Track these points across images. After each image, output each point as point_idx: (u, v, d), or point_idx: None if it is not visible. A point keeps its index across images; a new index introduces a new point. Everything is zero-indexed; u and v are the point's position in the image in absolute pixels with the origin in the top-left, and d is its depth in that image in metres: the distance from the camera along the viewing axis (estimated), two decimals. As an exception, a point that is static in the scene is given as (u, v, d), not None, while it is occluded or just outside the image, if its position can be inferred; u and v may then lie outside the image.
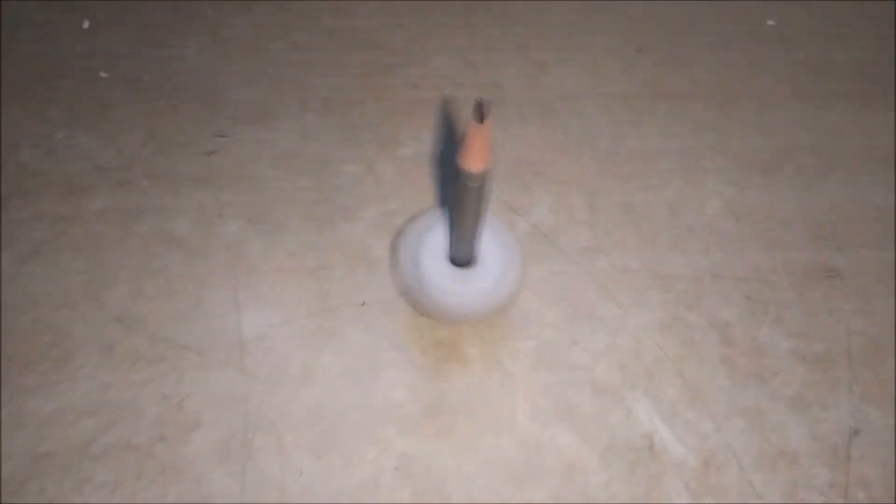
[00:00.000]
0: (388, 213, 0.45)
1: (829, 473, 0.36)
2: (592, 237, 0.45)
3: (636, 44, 0.56)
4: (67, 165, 0.46)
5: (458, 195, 0.32)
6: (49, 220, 0.44)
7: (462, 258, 0.37)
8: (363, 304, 0.41)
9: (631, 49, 0.56)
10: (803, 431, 0.37)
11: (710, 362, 0.40)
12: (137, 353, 0.38)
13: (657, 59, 0.55)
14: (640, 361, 0.39)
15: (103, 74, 0.51)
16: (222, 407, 0.37)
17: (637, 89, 0.53)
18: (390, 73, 0.52)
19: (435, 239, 0.39)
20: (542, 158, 0.48)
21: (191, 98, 0.49)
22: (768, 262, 0.44)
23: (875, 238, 0.46)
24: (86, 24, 0.54)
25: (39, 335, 0.39)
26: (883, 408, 0.38)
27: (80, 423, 0.36)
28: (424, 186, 0.46)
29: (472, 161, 0.29)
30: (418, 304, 0.38)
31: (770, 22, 0.58)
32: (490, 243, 0.39)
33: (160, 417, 0.36)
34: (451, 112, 0.49)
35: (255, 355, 0.39)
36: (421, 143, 0.48)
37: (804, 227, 0.46)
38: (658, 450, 0.36)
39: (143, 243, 0.43)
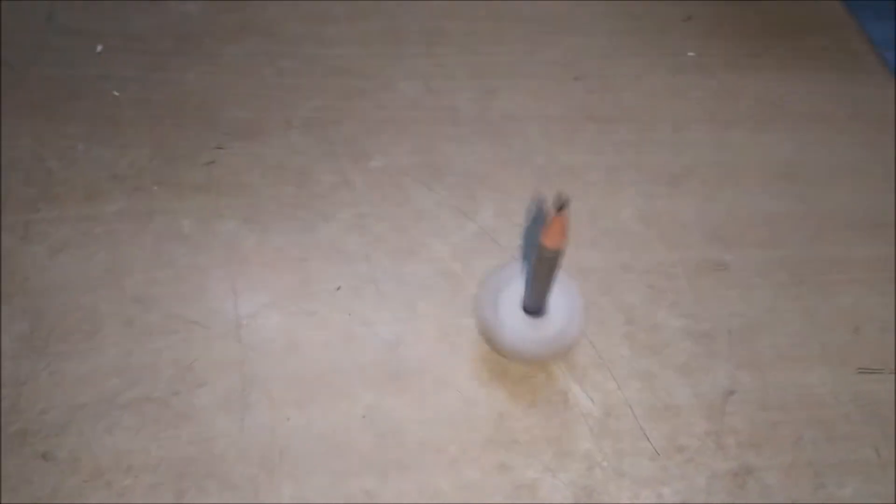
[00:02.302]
0: (360, 216, 0.54)
1: (706, 424, 0.46)
2: (526, 237, 0.54)
3: (574, 72, 0.66)
4: (87, 174, 0.55)
5: (535, 260, 0.39)
6: (74, 220, 0.52)
7: (534, 309, 0.44)
8: (338, 288, 0.50)
9: (569, 77, 0.66)
10: (687, 391, 0.47)
11: (615, 337, 0.49)
12: (153, 327, 0.47)
13: (590, 87, 0.65)
14: (561, 336, 0.49)
15: (116, 93, 0.59)
16: (223, 369, 0.46)
17: (571, 113, 0.63)
18: (363, 96, 0.61)
19: (513, 289, 0.45)
20: (489, 171, 0.58)
21: (192, 116, 0.58)
22: (669, 259, 0.54)
23: (760, 239, 0.56)
24: (99, 49, 0.62)
25: (71, 313, 0.48)
26: (753, 374, 0.48)
27: (108, 381, 0.45)
28: (391, 193, 0.55)
29: (551, 241, 0.37)
30: (494, 344, 0.45)
31: (691, 53, 0.68)
32: (559, 297, 0.45)
33: (173, 377, 0.45)
34: (420, 131, 0.58)
35: (249, 329, 0.48)
36: (388, 157, 0.58)
37: (701, 230, 0.56)
38: (571, 403, 0.46)
39: (155, 239, 0.51)
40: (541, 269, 0.40)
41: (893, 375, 0.49)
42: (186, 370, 0.45)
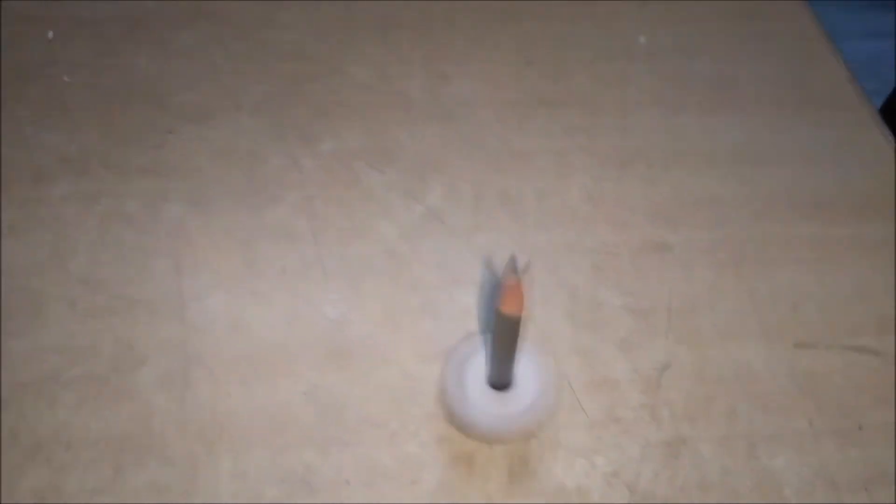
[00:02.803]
0: (308, 198, 0.54)
1: (642, 397, 0.47)
2: (474, 219, 0.55)
3: (526, 57, 0.66)
4: (35, 158, 0.55)
5: (495, 330, 0.38)
6: (20, 203, 0.52)
7: (499, 382, 0.42)
8: (283, 270, 0.50)
9: (522, 62, 0.66)
10: (625, 366, 0.48)
11: (557, 315, 0.50)
12: (97, 308, 0.47)
13: (542, 71, 0.66)
14: (503, 314, 0.50)
15: (66, 79, 0.59)
16: (166, 349, 0.46)
17: (524, 97, 0.64)
18: (315, 81, 0.62)
19: (477, 364, 0.44)
20: (439, 155, 0.58)
21: (142, 101, 0.59)
22: (614, 239, 0.55)
23: (704, 220, 0.57)
24: (50, 35, 0.62)
25: (15, 294, 0.48)
26: (691, 350, 0.49)
27: (51, 360, 0.45)
28: (340, 176, 0.56)
29: (509, 308, 0.35)
30: (459, 422, 0.43)
31: (641, 39, 0.69)
32: (527, 368, 0.43)
33: (114, 356, 0.45)
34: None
35: (193, 310, 0.48)
36: (339, 141, 0.58)
37: (647, 212, 0.57)
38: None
39: (100, 222, 0.52)
40: (502, 338, 0.38)
41: (828, 350, 0.50)
42: (128, 349, 0.46)
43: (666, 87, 0.66)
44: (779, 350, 0.50)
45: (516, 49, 0.67)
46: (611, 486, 0.43)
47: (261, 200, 0.54)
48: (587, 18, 0.70)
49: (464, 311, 0.50)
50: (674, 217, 0.56)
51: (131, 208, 0.52)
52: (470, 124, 0.61)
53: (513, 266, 0.34)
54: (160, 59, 0.61)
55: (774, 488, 0.44)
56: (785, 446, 0.45)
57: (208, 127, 0.57)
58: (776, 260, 0.55)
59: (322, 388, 0.46)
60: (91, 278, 0.49)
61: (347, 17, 0.67)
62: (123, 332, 0.46)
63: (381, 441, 0.44)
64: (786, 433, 0.46)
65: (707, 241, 0.55)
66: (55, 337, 0.46)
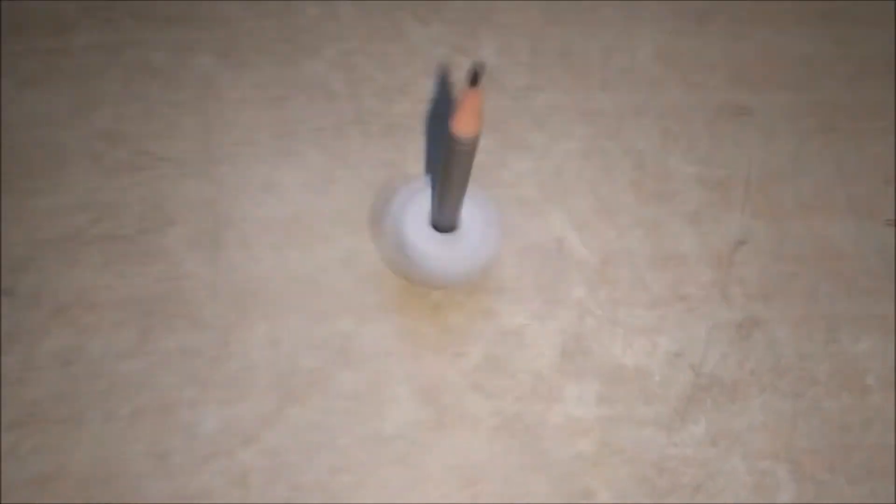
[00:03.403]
0: (346, 52, 0.49)
1: (712, 273, 0.42)
2: (531, 77, 0.49)
3: None
4: (56, 5, 0.50)
5: (445, 160, 0.32)
6: (42, 53, 0.48)
7: (446, 224, 0.38)
8: (321, 129, 0.46)
9: None
10: (694, 240, 0.43)
11: (620, 183, 0.45)
12: (121, 163, 0.44)
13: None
14: (560, 181, 0.45)
15: (86, -80, 0.54)
16: (195, 209, 0.43)
17: (589, -58, 0.56)
18: (355, -77, 0.55)
19: (418, 206, 0.39)
20: (492, 4, 0.52)
21: (167, -57, 0.53)
22: (687, 102, 0.49)
23: (791, 81, 0.50)
24: None
25: (37, 148, 0.45)
26: (770, 225, 0.44)
27: (73, 217, 0.42)
28: (382, 28, 0.50)
29: (464, 126, 0.29)
30: (401, 270, 0.39)
31: None
32: (470, 209, 0.39)
33: (141, 215, 0.42)
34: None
35: (223, 169, 0.44)
36: (381, -10, 0.52)
37: (726, 71, 0.50)
38: (566, 252, 0.43)
39: (125, 73, 0.48)
40: (452, 170, 0.32)
41: (926, 229, 0.44)
42: (155, 208, 0.43)
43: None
44: (868, 227, 0.44)
45: None
46: (674, 367, 0.39)
47: (295, 53, 0.49)
48: None
49: (517, 176, 0.45)
50: (756, 78, 0.50)
51: (158, 60, 0.48)
52: (528, -28, 0.54)
53: (472, 76, 0.27)
54: None
55: (856, 375, 0.39)
56: (869, 330, 0.41)
57: (238, -29, 0.52)
58: (869, 129, 0.48)
59: (360, 254, 0.42)
60: (115, 133, 0.45)
61: None
62: (150, 190, 0.43)
63: (423, 311, 0.41)
64: (871, 316, 0.41)
65: (792, 105, 0.49)
66: (77, 193, 0.43)
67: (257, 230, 0.42)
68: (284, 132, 0.46)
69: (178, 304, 0.40)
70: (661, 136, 0.47)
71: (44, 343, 0.39)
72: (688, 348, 0.40)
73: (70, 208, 0.42)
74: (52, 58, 0.48)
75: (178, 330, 0.39)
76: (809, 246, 0.43)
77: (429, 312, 0.40)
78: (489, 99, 0.48)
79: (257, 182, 0.44)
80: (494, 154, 0.46)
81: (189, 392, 0.38)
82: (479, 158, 0.46)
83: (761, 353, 0.40)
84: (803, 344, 0.40)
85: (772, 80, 0.50)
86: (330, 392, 0.38)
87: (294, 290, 0.41)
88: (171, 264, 0.41)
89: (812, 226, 0.44)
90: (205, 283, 0.41)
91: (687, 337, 0.40)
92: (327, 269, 0.42)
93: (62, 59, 0.48)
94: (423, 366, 0.39)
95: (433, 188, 0.39)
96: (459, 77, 0.47)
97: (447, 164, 0.32)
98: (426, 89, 0.48)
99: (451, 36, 0.50)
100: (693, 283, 0.42)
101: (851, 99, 0.49)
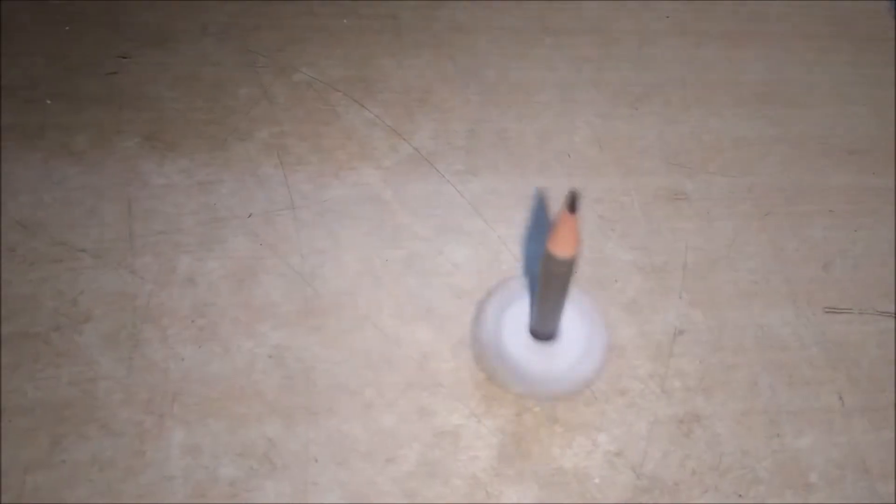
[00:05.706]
0: (279, 135, 0.48)
1: (650, 365, 0.42)
2: (468, 161, 0.49)
3: (531, -20, 0.59)
4: (-26, 83, 0.48)
5: (543, 274, 0.34)
6: (-45, 135, 0.46)
7: (543, 333, 0.38)
8: (249, 216, 0.45)
9: (526, -15, 0.59)
10: (633, 330, 0.43)
11: (558, 271, 0.44)
12: (37, 255, 0.42)
13: (549, -4, 0.58)
14: (497, 270, 0.44)
15: (10, -4, 0.53)
16: (113, 303, 0.41)
17: (526, 24, 0.57)
18: (288, 0, 0.55)
19: (517, 310, 0.40)
20: (430, 88, 0.52)
21: (95, 21, 0.52)
22: (622, 186, 0.48)
23: (726, 165, 0.50)
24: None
25: (-56, 239, 0.42)
26: (707, 313, 0.44)
27: (-20, 315, 0.40)
28: (317, 110, 0.49)
29: (562, 248, 0.31)
30: (496, 374, 0.39)
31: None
32: (574, 318, 0.39)
33: (55, 311, 0.40)
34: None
35: (145, 260, 0.42)
36: (316, 70, 0.52)
37: (661, 155, 0.50)
38: (503, 344, 0.41)
39: (44, 157, 0.46)
40: (550, 283, 0.34)
41: (862, 316, 0.44)
42: (70, 304, 0.40)
43: (688, 14, 0.59)
44: (808, 315, 0.44)
45: (520, -30, 0.59)
46: (613, 468, 0.38)
47: (226, 136, 0.47)
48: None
49: (454, 266, 0.44)
50: (691, 162, 0.50)
51: (79, 143, 0.46)
52: (465, 53, 0.54)
53: (570, 202, 0.30)
54: (117, -27, 0.54)
55: (799, 472, 0.39)
56: (812, 424, 0.40)
57: (169, 51, 0.50)
58: (806, 212, 0.49)
59: (289, 350, 0.40)
60: (32, 221, 0.43)
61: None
62: (66, 284, 0.41)
63: (354, 412, 0.39)
64: (813, 409, 0.41)
65: (728, 189, 0.49)
66: (-13, 289, 0.40)
67: (178, 326, 0.40)
68: (211, 219, 0.44)
69: (90, 409, 0.38)
70: (597, 221, 0.47)
71: (-62, 457, 0.36)
72: (628, 447, 0.39)
73: (-24, 305, 0.40)
74: (-33, 140, 0.46)
75: (91, 438, 0.37)
76: (749, 335, 0.43)
77: (358, 414, 0.39)
78: (426, 183, 0.47)
79: (180, 273, 0.42)
80: (431, 241, 0.45)
81: (99, 507, 0.35)
82: (415, 244, 0.44)
83: (703, 451, 0.39)
84: (745, 440, 0.39)
85: (707, 164, 0.50)
86: None
87: (216, 391, 0.39)
88: (86, 364, 0.39)
89: (751, 314, 0.44)
90: (121, 386, 0.38)
91: (627, 434, 0.39)
92: (252, 367, 0.39)
93: (-22, 141, 0.46)
94: (354, 473, 0.37)
95: (531, 297, 0.40)
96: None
97: (545, 279, 0.34)
98: (361, 173, 0.47)
99: (388, 118, 0.50)
100: (632, 375, 0.41)
101: (787, 181, 0.50)
